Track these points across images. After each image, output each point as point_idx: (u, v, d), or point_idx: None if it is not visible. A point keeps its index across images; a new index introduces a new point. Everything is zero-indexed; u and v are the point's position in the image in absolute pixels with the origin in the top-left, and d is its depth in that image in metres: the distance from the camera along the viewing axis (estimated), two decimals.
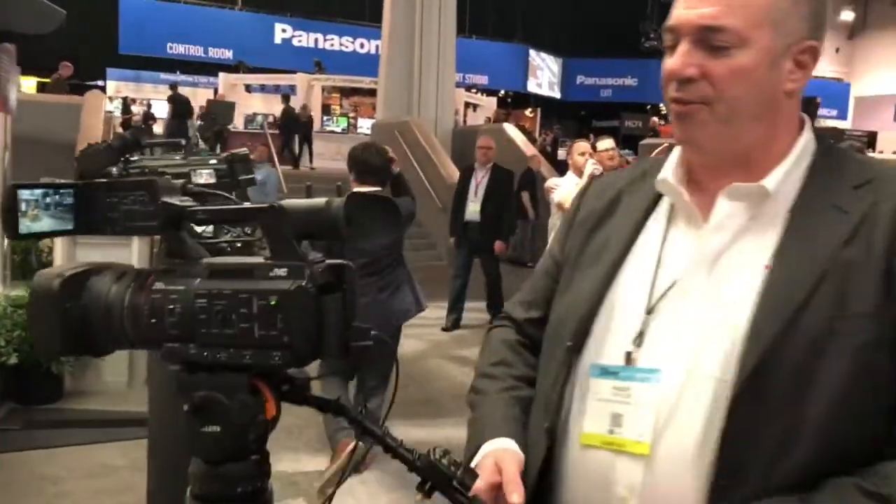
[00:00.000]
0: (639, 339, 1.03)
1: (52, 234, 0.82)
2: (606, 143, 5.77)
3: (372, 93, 17.55)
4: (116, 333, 0.85)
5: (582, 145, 5.64)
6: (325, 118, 19.50)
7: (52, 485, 3.65)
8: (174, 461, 1.09)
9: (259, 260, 0.83)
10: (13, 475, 3.73)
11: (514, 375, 1.20)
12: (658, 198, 1.13)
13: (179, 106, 16.12)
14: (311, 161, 16.99)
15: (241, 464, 0.85)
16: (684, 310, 1.02)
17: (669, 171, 1.10)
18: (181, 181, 0.86)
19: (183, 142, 2.40)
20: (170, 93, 16.81)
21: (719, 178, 1.05)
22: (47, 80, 15.28)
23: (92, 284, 0.85)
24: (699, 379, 0.98)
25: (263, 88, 21.62)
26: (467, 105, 20.23)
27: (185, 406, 0.83)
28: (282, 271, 0.81)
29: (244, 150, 2.35)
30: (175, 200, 0.84)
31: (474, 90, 21.91)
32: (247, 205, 0.86)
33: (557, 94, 28.26)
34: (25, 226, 0.80)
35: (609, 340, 1.06)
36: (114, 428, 4.26)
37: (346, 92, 21.26)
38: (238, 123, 17.02)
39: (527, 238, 11.01)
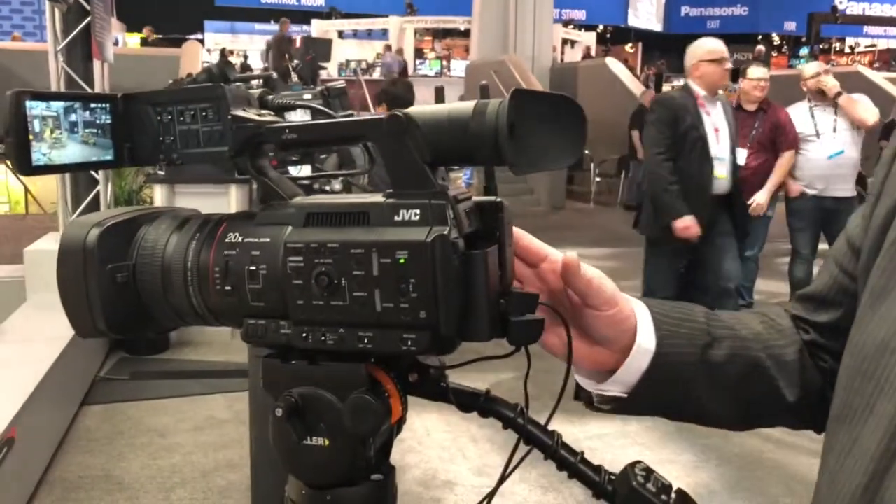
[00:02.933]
0: None
1: (84, 166, 0.57)
2: (760, 72, 4.90)
3: (465, 34, 17.13)
4: (179, 304, 0.60)
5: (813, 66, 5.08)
6: (417, 62, 19.20)
7: (160, 437, 3.62)
8: None
9: (377, 198, 0.55)
10: (122, 426, 3.73)
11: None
12: None
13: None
14: None
15: (359, 488, 0.61)
16: None
17: None
18: (260, 90, 0.58)
19: (275, 75, 2.21)
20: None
21: None
22: (154, 35, 15.86)
23: (143, 237, 0.60)
24: None
25: (356, 34, 21.48)
26: (565, 41, 19.47)
27: (277, 410, 0.58)
28: (412, 213, 0.54)
29: (341, 82, 2.22)
30: (252, 114, 0.58)
31: (572, 26, 21.05)
32: (354, 117, 0.58)
33: (659, 28, 26.84)
34: (42, 154, 0.54)
35: None
36: (219, 379, 4.23)
37: (439, 34, 20.87)
38: (332, 70, 16.94)
39: (637, 180, 10.51)
